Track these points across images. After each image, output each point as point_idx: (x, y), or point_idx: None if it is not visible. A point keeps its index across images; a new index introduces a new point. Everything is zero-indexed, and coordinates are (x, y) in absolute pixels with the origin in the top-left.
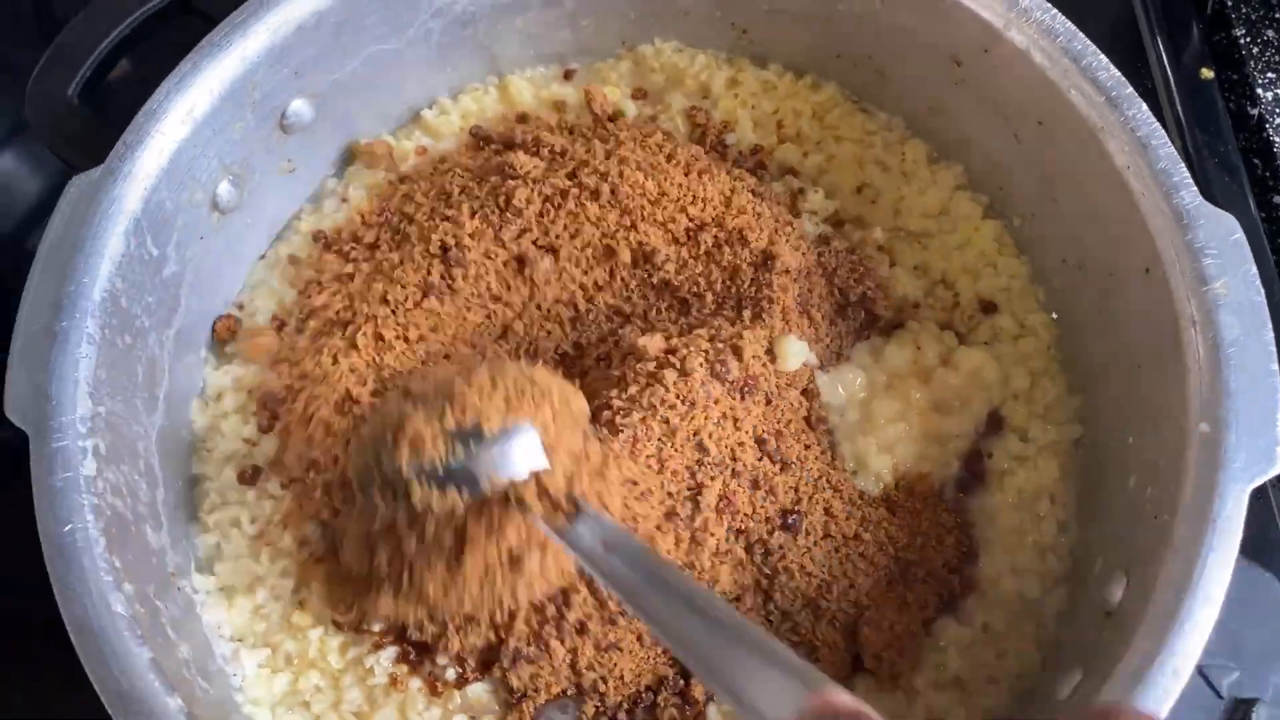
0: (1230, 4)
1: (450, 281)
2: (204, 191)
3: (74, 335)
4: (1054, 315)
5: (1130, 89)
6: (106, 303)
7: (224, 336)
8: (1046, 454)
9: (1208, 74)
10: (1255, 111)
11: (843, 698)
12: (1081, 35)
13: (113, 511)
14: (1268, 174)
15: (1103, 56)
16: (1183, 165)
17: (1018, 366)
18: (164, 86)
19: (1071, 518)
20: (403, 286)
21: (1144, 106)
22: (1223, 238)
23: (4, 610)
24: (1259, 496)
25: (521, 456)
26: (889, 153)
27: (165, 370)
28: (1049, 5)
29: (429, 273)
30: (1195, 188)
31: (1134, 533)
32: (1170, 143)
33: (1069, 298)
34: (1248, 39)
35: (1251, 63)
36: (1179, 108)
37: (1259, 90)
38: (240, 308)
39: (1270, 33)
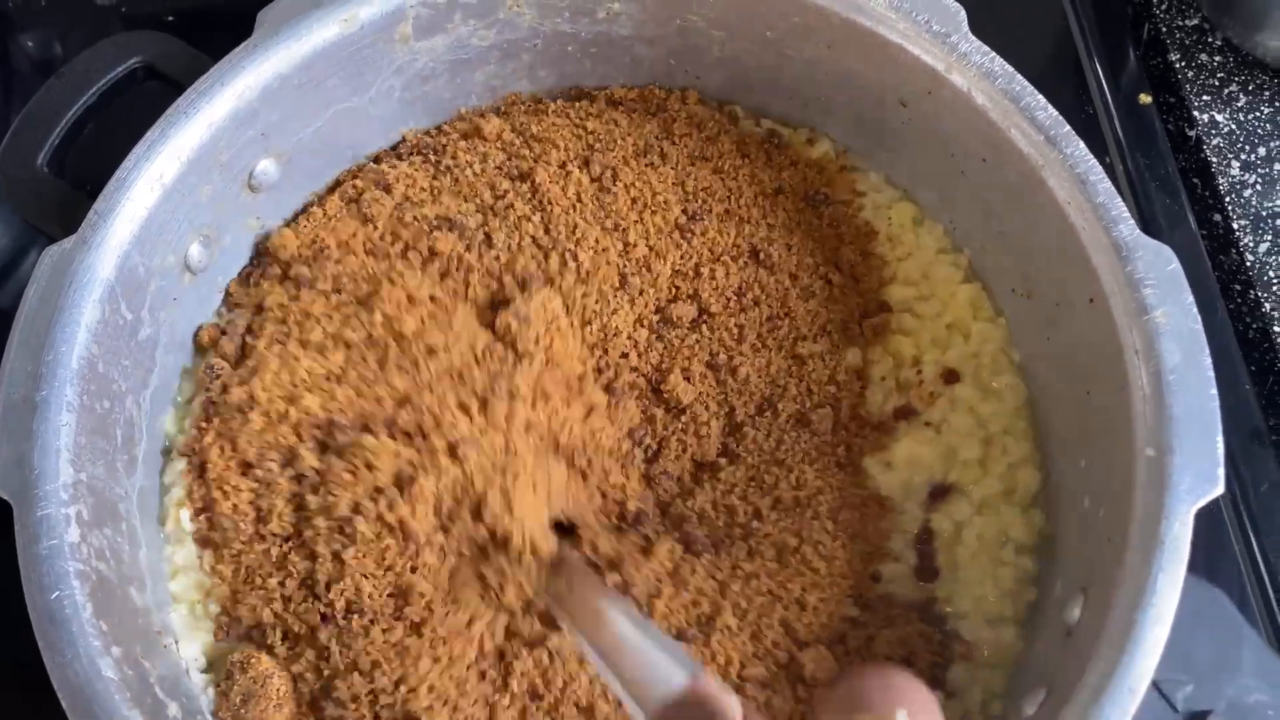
0: (1165, 30)
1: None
2: (175, 254)
3: (54, 403)
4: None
5: (1068, 127)
6: (84, 369)
7: (206, 344)
8: (1004, 503)
9: (1146, 99)
10: (1193, 133)
11: (713, 685)
12: (1020, 77)
13: (98, 576)
14: (1206, 193)
15: (1040, 97)
16: (1119, 200)
17: (967, 438)
18: (133, 155)
19: (1030, 549)
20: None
21: (1081, 144)
22: (1160, 268)
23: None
24: (1212, 514)
25: None
26: (877, 215)
27: (143, 430)
28: (988, 49)
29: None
30: (1133, 221)
31: (1089, 553)
32: (1108, 178)
33: (1019, 329)
34: (1183, 63)
35: (1188, 86)
36: (1120, 132)
37: (1195, 113)
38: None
39: (1204, 57)
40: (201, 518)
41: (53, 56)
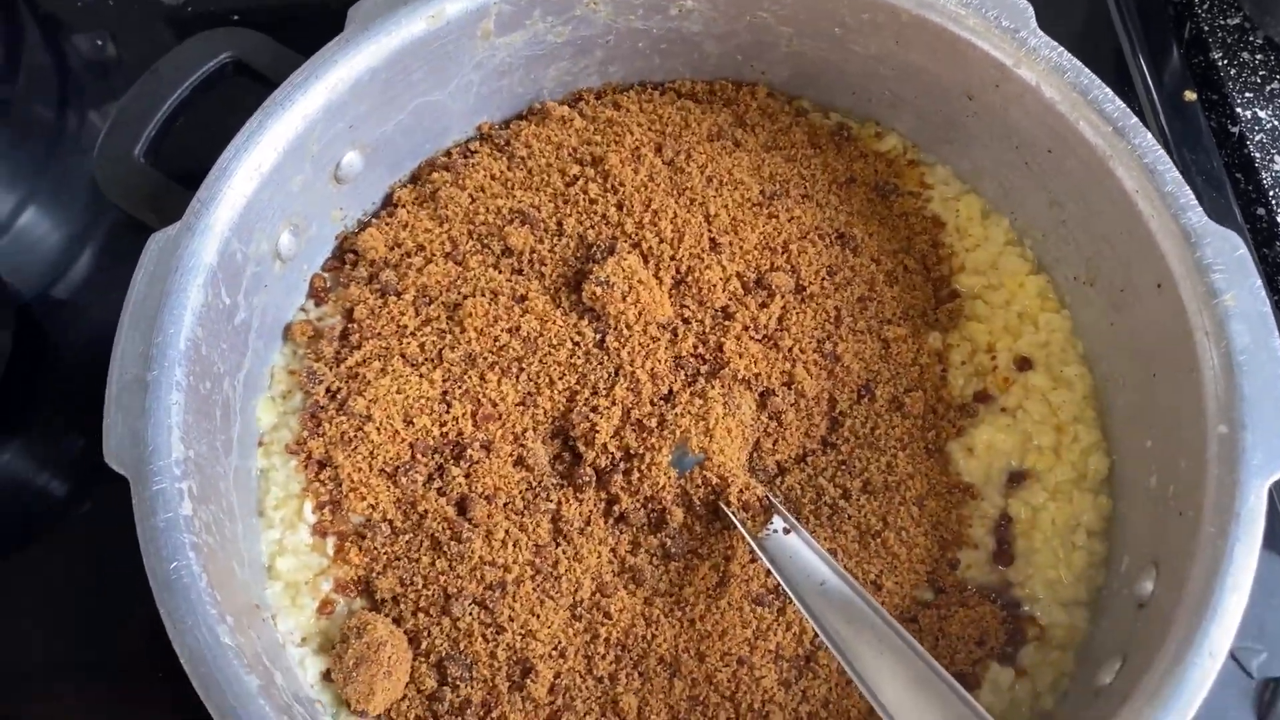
0: (1207, 29)
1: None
2: (268, 242)
3: (164, 383)
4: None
5: (1135, 119)
6: (190, 351)
7: (298, 338)
8: (1076, 488)
9: (1191, 96)
10: (1236, 130)
11: None
12: (1087, 71)
13: (208, 548)
14: (1250, 187)
15: (1108, 90)
16: (1188, 188)
17: (1041, 425)
18: (233, 145)
19: (1100, 533)
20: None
21: (1149, 135)
22: (1228, 254)
23: (51, 649)
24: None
25: None
26: (945, 208)
27: (237, 413)
28: (1056, 44)
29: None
30: (1200, 209)
31: (1160, 529)
32: (1174, 167)
33: (1079, 314)
34: (1225, 61)
35: (1230, 84)
36: (1166, 128)
37: (1238, 109)
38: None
39: (1246, 55)
40: (325, 510)
41: (105, 57)
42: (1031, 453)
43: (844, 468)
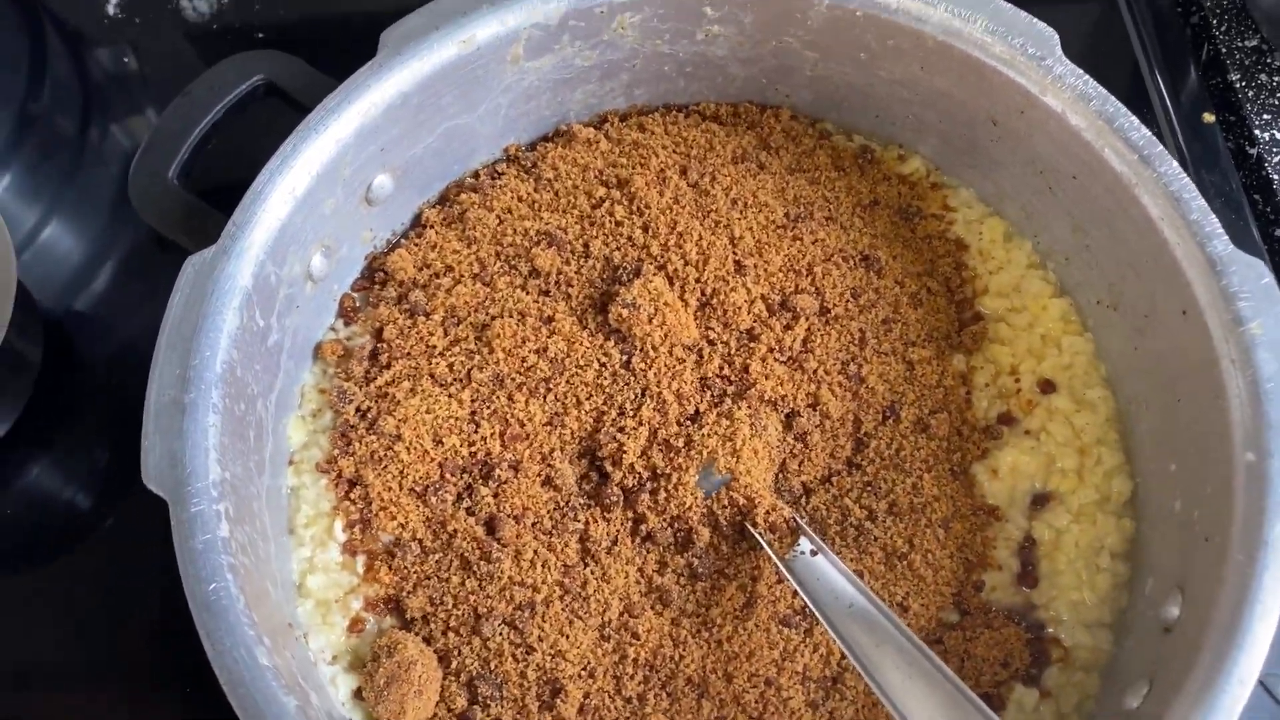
0: (1225, 51)
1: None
2: (300, 264)
3: (201, 406)
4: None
5: (1161, 147)
6: (225, 374)
7: (328, 357)
8: (1100, 510)
9: (1209, 118)
10: (1254, 151)
11: None
12: (1113, 99)
13: (245, 570)
14: (1268, 209)
15: (1134, 118)
16: (1213, 216)
17: (1064, 448)
18: (267, 169)
19: (1124, 555)
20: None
21: (1174, 163)
22: (1254, 281)
23: (79, 662)
24: None
25: None
26: (968, 230)
27: (269, 433)
28: (1082, 72)
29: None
30: (1226, 236)
31: (1185, 553)
32: (1199, 195)
33: (1102, 338)
34: (1243, 83)
35: (1248, 105)
36: (1184, 150)
37: (1256, 131)
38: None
39: (1264, 77)
40: (355, 529)
41: (126, 69)
42: (1055, 475)
43: (869, 489)
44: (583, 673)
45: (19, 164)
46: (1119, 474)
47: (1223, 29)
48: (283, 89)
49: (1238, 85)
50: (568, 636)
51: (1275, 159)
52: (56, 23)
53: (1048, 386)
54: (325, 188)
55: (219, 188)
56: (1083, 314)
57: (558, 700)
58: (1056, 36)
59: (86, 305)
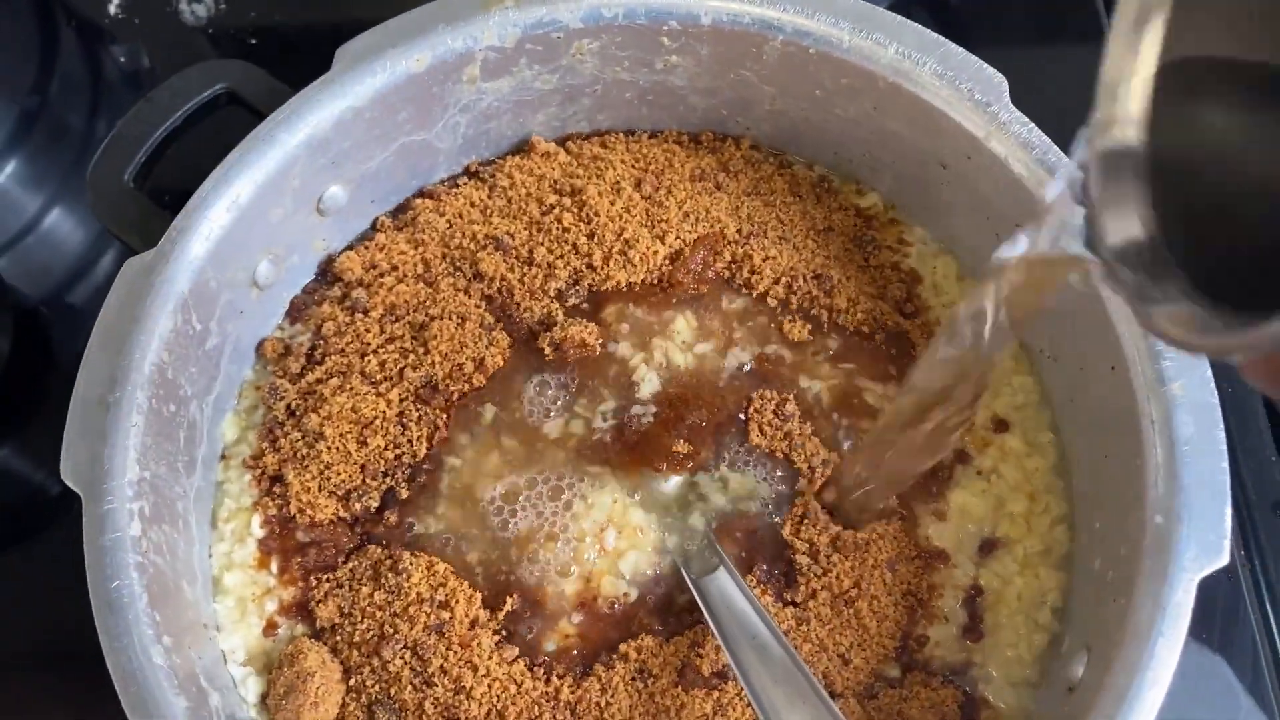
0: None
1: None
2: (245, 271)
3: (126, 406)
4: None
5: None
6: (155, 375)
7: (270, 356)
8: (1043, 563)
9: None
10: None
11: None
12: (1056, 149)
13: (154, 569)
14: None
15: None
16: None
17: (1015, 492)
18: (211, 177)
19: (1062, 611)
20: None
21: None
22: None
23: (49, 645)
24: (1229, 583)
25: None
26: (922, 264)
27: (204, 434)
28: (1027, 120)
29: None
30: None
31: (1097, 613)
32: None
33: (1047, 387)
34: None
35: None
36: None
37: None
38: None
39: None
40: (273, 527)
41: (140, 68)
42: (1004, 520)
43: (807, 520)
44: (491, 714)
45: (24, 152)
46: (1061, 524)
47: None
48: (244, 99)
49: None
50: (476, 671)
51: None
52: (70, 16)
53: (1001, 425)
54: (271, 197)
55: (175, 193)
56: (1031, 359)
57: None
58: (1005, 82)
59: (79, 296)
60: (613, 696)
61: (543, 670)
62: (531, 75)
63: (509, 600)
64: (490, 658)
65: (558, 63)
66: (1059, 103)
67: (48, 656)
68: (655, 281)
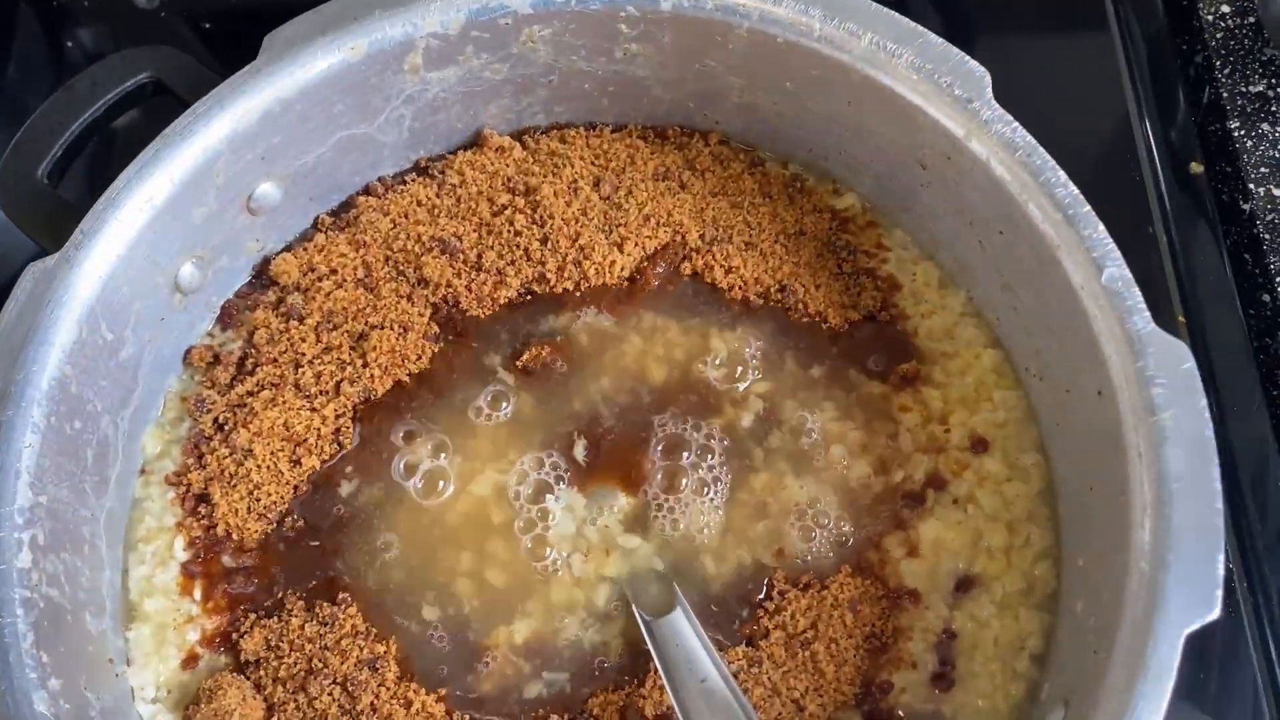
0: (1226, 95)
1: None
2: (164, 275)
3: (19, 425)
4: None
5: (1088, 207)
6: (55, 390)
7: (197, 364)
8: (1023, 603)
9: (1197, 168)
10: (1247, 207)
11: None
12: (1041, 150)
13: (47, 603)
14: (1256, 270)
15: (1062, 173)
16: (1136, 290)
17: (993, 522)
18: (123, 175)
19: (1041, 657)
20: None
21: (1101, 226)
22: (1174, 366)
23: None
24: (1229, 616)
25: None
26: (901, 270)
27: (118, 451)
28: (1010, 118)
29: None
30: (1148, 312)
31: (1076, 663)
32: (1126, 266)
33: (1034, 411)
34: (1242, 131)
35: (1245, 156)
36: (1167, 200)
37: (1251, 185)
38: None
39: (1265, 126)
40: (197, 550)
41: (106, 51)
42: (981, 556)
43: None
44: None
45: None
46: (1046, 560)
47: (1226, 71)
48: (170, 88)
49: (1236, 133)
50: (410, 708)
51: (1269, 216)
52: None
53: (980, 445)
54: (193, 196)
55: (95, 189)
56: (1016, 375)
57: None
58: (988, 76)
59: None
60: None
61: (479, 713)
62: (480, 64)
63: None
64: (428, 694)
65: (507, 51)
66: (1097, 95)
67: None
68: (613, 293)
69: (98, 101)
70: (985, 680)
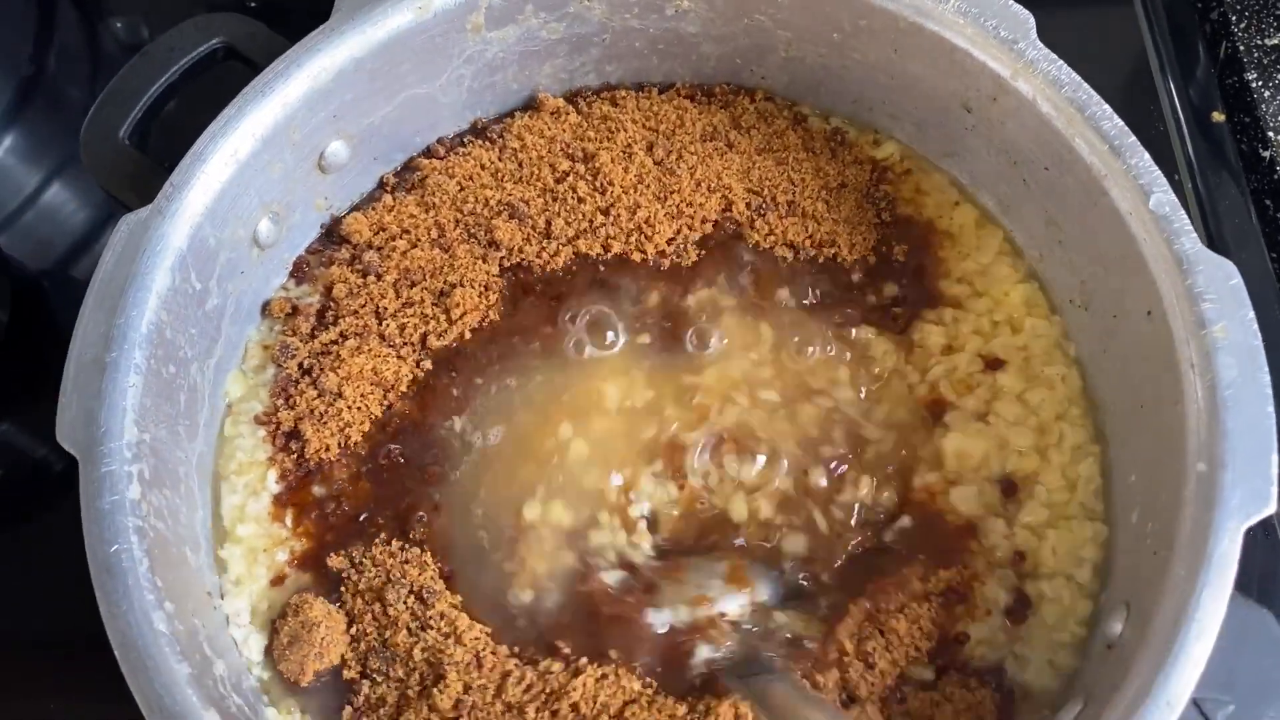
0: (1243, 49)
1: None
2: (245, 229)
3: (123, 365)
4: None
5: (1133, 138)
6: (153, 334)
7: (276, 314)
8: (1076, 513)
9: (1219, 117)
10: (1267, 154)
11: None
12: (1086, 86)
13: (155, 533)
14: (1279, 215)
15: (1106, 106)
16: (1183, 212)
17: (1017, 426)
18: (209, 131)
19: (1098, 564)
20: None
21: (1146, 156)
22: (1221, 282)
23: (49, 625)
24: (1267, 534)
25: None
26: (939, 214)
27: (205, 398)
28: (1055, 57)
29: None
30: (1195, 234)
31: (1135, 567)
32: (1171, 190)
33: (1077, 340)
34: (1259, 83)
35: (1263, 106)
36: (1190, 150)
37: (1270, 133)
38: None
39: None
40: (289, 481)
41: (140, 40)
42: (1012, 456)
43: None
44: (471, 663)
45: (23, 125)
46: (1086, 457)
47: (1242, 25)
48: (242, 53)
49: (1254, 85)
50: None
51: None
52: None
53: (994, 364)
54: (272, 152)
55: (174, 150)
56: (1056, 307)
57: (436, 689)
58: (1032, 19)
59: (83, 269)
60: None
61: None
62: (538, 23)
63: None
64: None
65: (565, 10)
66: (1091, 45)
67: (50, 637)
68: (671, 268)
69: (173, 66)
70: (1055, 605)
